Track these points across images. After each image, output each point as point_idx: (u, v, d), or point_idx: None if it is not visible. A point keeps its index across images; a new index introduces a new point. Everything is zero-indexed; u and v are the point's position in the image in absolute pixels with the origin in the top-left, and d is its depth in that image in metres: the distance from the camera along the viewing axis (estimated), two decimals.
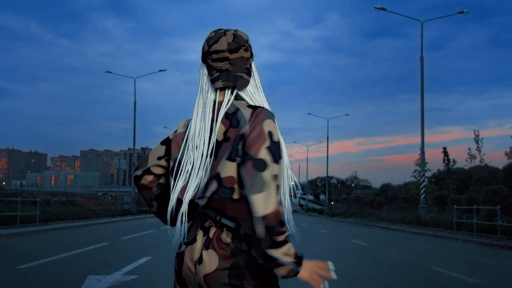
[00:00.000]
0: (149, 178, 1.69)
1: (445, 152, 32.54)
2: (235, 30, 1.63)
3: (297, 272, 1.43)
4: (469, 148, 32.28)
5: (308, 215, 51.04)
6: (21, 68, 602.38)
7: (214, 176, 1.48)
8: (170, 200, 1.56)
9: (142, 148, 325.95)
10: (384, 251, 11.85)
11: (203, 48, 1.62)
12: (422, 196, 23.05)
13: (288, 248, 1.41)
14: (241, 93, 1.61)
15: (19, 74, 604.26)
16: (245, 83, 1.60)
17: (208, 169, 1.51)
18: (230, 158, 1.46)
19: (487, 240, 14.33)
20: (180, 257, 1.55)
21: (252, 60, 1.65)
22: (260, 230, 1.37)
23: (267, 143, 1.43)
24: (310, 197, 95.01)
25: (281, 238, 1.39)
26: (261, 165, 1.40)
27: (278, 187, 1.42)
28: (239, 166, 1.44)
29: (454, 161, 33.19)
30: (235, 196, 1.46)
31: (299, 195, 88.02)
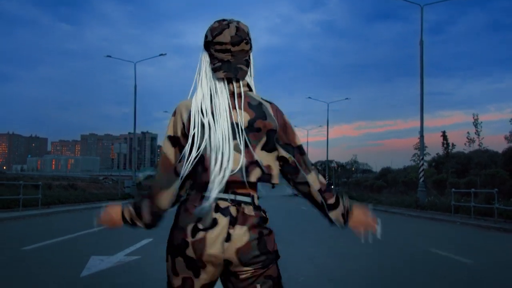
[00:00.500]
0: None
1: (444, 136, 32.61)
2: (238, 22, 1.70)
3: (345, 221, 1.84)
4: (468, 132, 32.39)
5: None
6: (21, 52, 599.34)
7: (254, 162, 1.64)
8: (211, 182, 1.60)
9: (142, 132, 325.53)
10: (382, 233, 12.01)
11: (206, 36, 1.71)
12: (421, 179, 23.24)
13: (342, 204, 1.82)
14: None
15: (19, 58, 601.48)
16: (244, 74, 1.70)
17: (238, 153, 1.63)
18: (268, 150, 1.68)
19: (485, 223, 14.52)
20: (201, 243, 1.58)
21: (251, 52, 1.75)
22: (319, 199, 1.78)
23: (295, 132, 1.77)
24: None
25: (331, 201, 1.78)
26: (302, 150, 1.77)
27: None
28: (294, 155, 1.74)
29: (453, 145, 33.29)
30: (274, 180, 1.69)
31: None
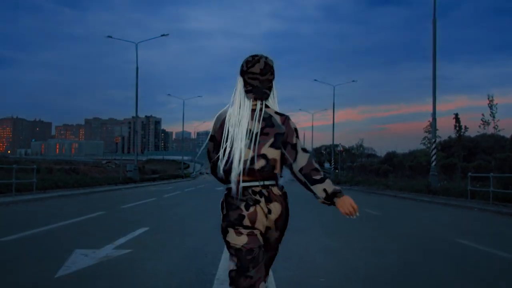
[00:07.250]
0: None
1: (456, 118, 31.65)
2: (266, 58, 2.36)
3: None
4: (483, 114, 31.48)
5: None
6: (24, 37, 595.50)
7: (260, 155, 2.26)
8: (234, 166, 2.27)
9: (146, 116, 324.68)
10: (399, 222, 11.15)
11: (242, 66, 2.37)
12: (433, 163, 22.25)
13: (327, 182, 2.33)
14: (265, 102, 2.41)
15: (22, 43, 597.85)
16: (267, 96, 2.39)
17: (248, 148, 2.27)
18: (275, 147, 2.28)
19: (505, 209, 13.57)
20: (254, 214, 2.24)
21: (274, 80, 2.41)
22: (300, 177, 2.33)
23: (296, 134, 2.35)
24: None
25: (317, 177, 2.30)
26: (295, 146, 2.33)
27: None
28: (283, 149, 2.31)
29: (465, 127, 32.38)
30: (276, 170, 2.30)
31: None
